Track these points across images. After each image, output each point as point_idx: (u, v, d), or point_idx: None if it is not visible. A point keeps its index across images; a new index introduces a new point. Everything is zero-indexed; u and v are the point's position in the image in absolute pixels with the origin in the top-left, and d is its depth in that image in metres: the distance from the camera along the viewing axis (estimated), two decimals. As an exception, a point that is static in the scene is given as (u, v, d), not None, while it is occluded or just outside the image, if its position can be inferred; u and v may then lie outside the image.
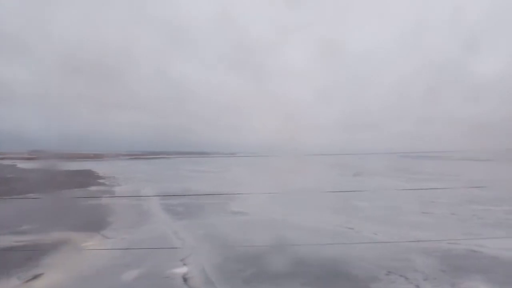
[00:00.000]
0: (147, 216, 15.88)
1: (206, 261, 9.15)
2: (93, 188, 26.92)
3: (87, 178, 34.14)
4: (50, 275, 8.16)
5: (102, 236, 12.13)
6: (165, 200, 19.54)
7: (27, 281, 7.81)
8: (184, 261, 9.25)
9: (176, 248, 10.43)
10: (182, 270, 8.60)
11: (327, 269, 8.49)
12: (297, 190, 20.44)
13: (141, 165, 63.55)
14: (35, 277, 8.02)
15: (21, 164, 52.00)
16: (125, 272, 8.36)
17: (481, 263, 9.16)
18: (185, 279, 7.96)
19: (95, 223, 13.91)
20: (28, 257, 9.30)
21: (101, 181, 32.43)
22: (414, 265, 8.92)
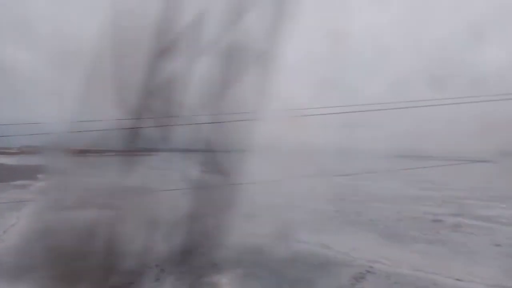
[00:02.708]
0: None
1: None
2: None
3: (19, 173, 34.92)
4: None
5: None
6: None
7: None
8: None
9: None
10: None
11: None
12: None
13: (112, 161, 63.58)
14: None
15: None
16: None
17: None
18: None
19: None
20: None
21: (37, 175, 32.84)
22: (200, 260, 8.77)
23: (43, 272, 7.74)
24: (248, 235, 11.44)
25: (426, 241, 11.08)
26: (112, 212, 15.11)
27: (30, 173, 36.67)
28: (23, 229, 11.12)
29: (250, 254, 9.28)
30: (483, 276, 7.91)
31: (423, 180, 36.83)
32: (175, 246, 9.62)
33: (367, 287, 7.24)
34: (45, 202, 17.76)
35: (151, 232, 11.23)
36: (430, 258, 9.32)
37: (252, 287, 7.12)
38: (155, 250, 9.14)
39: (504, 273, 8.14)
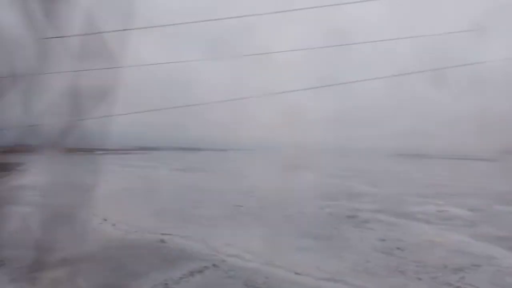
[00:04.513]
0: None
1: None
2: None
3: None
4: None
5: None
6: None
7: None
8: None
9: None
10: None
11: None
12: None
13: (95, 159, 63.39)
14: None
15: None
16: None
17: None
18: None
19: None
20: None
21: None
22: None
23: None
24: (137, 229, 11.38)
25: (314, 236, 10.98)
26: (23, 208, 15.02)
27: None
28: None
29: (113, 249, 9.19)
30: (326, 269, 7.80)
31: (395, 178, 36.75)
32: (38, 241, 9.52)
33: (194, 280, 7.13)
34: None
35: (27, 226, 11.13)
36: (297, 252, 9.23)
37: (79, 281, 7.01)
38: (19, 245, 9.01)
39: (350, 267, 8.05)
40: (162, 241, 10.04)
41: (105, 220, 12.77)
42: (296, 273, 7.60)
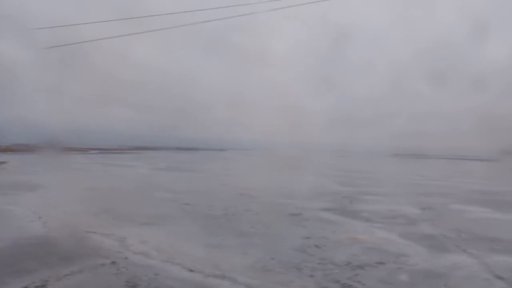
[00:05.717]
0: None
1: None
2: None
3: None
4: None
5: None
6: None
7: None
8: None
9: None
10: None
11: None
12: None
13: (83, 159, 63.56)
14: None
15: None
16: None
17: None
18: None
19: None
20: None
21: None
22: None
23: None
24: (65, 227, 11.35)
25: (239, 234, 10.96)
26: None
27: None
28: None
29: (23, 247, 9.14)
30: (222, 267, 7.73)
31: (375, 177, 36.60)
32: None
33: (78, 278, 7.07)
34: None
35: None
36: (209, 250, 9.19)
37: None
38: None
39: (250, 265, 8.00)
40: (81, 238, 9.99)
41: (40, 217, 12.75)
42: (190, 270, 7.54)
